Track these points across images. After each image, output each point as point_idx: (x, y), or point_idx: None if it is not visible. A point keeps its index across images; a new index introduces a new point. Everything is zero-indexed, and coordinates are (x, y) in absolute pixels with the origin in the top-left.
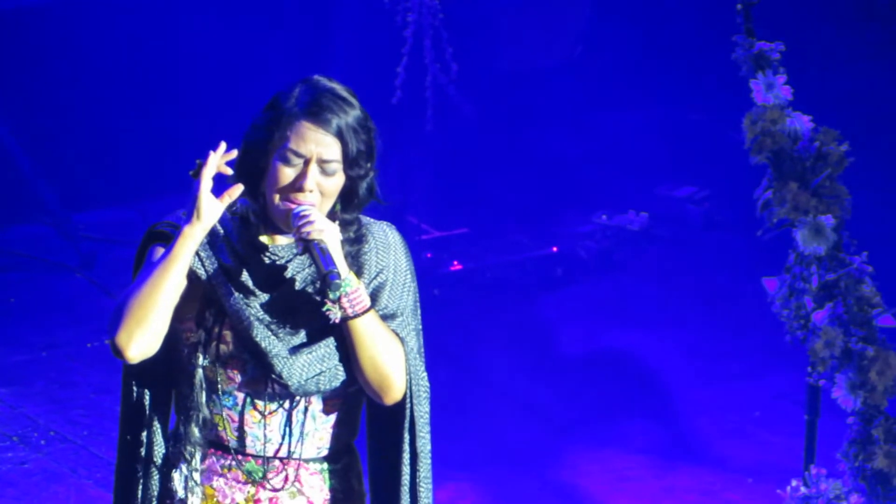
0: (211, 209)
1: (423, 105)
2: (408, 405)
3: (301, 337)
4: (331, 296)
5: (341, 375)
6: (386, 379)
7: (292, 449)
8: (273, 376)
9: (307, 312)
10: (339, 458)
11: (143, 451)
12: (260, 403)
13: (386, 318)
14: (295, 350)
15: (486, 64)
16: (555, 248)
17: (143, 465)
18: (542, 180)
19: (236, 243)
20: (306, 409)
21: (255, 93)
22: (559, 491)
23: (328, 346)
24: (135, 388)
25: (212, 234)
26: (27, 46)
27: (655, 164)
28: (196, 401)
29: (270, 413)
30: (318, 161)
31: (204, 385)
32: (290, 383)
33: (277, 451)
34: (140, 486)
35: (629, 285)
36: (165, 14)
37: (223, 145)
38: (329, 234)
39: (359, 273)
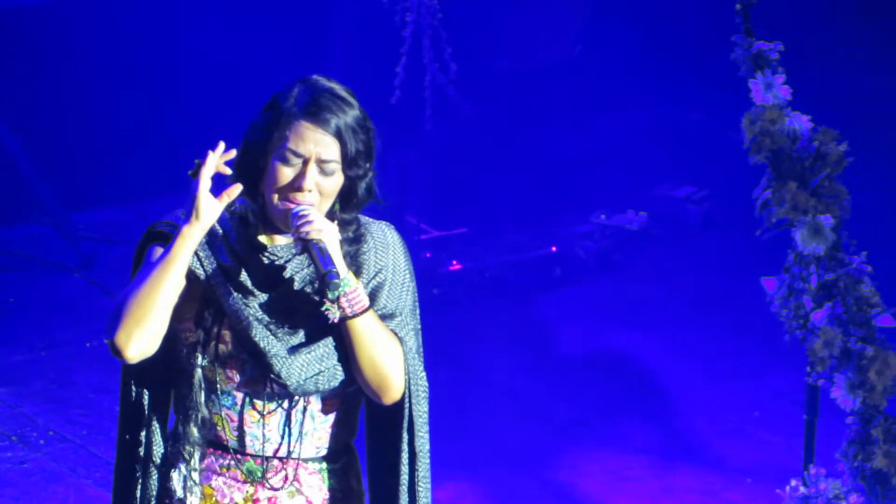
0: (210, 209)
1: (421, 105)
2: (406, 405)
3: (300, 337)
4: (329, 295)
5: (340, 375)
6: (385, 379)
7: (291, 448)
8: (272, 376)
9: (306, 312)
10: (337, 458)
11: (141, 451)
12: (259, 403)
13: (384, 317)
14: (294, 350)
15: (485, 64)
16: (554, 248)
17: (142, 465)
18: (540, 180)
19: (235, 243)
20: (305, 408)
21: (255, 93)
22: (558, 491)
23: (327, 346)
24: (134, 388)
25: (211, 234)
26: (27, 46)
27: (654, 164)
28: (195, 400)
29: (269, 413)
30: (317, 161)
31: (203, 385)
32: (288, 383)
33: (276, 450)
34: (139, 486)
35: (628, 285)
36: (165, 14)
37: (222, 145)
38: (328, 234)
39: (357, 273)
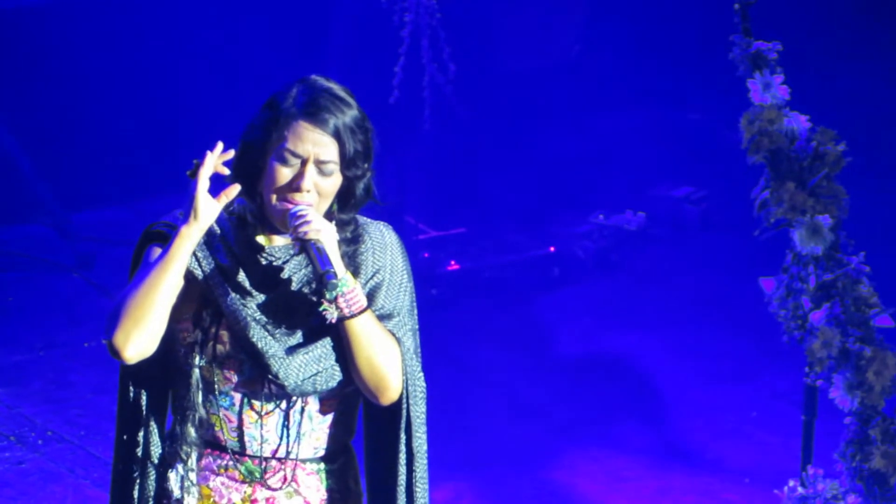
0: (208, 209)
1: (420, 105)
2: (404, 405)
3: (298, 337)
4: (327, 296)
5: (338, 376)
6: (382, 379)
7: (289, 449)
8: (270, 377)
9: (304, 313)
10: (335, 459)
11: (139, 451)
12: (257, 404)
13: (382, 318)
14: (291, 350)
15: (484, 64)
16: (552, 248)
17: (140, 465)
18: (539, 180)
19: (233, 243)
20: (303, 409)
21: (253, 93)
22: (556, 491)
23: (325, 347)
24: (132, 389)
25: (209, 235)
26: (27, 46)
27: (652, 164)
28: (193, 401)
29: (267, 413)
30: (316, 161)
31: (200, 385)
32: (286, 384)
33: (275, 451)
34: (137, 486)
35: (626, 285)
36: (164, 14)
37: (220, 145)
38: (326, 234)
39: (355, 273)
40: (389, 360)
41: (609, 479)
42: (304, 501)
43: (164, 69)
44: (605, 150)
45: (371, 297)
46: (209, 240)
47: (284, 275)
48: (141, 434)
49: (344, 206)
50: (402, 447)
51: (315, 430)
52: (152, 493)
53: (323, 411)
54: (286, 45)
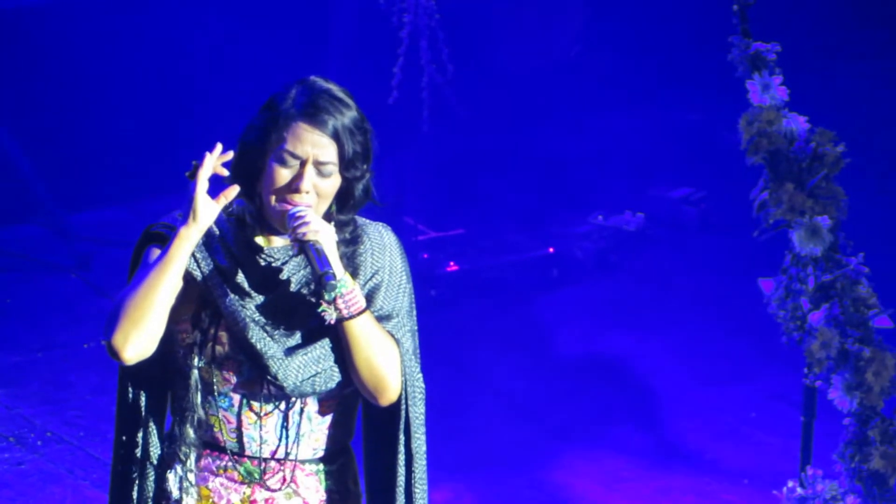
0: (207, 210)
1: (419, 105)
2: (403, 406)
3: (296, 338)
4: (326, 297)
5: (337, 377)
6: (381, 380)
7: (288, 450)
8: (269, 378)
9: (303, 314)
10: (334, 460)
11: (138, 452)
12: (256, 405)
13: (381, 319)
14: (290, 351)
15: (483, 64)
16: (551, 249)
17: (139, 466)
18: (538, 181)
19: (232, 245)
20: (302, 410)
21: (252, 93)
22: (555, 492)
23: (324, 348)
24: (130, 389)
25: (208, 236)
26: (27, 46)
27: (652, 165)
28: (192, 402)
29: (266, 414)
30: (315, 162)
31: (199, 386)
32: (285, 385)
33: (274, 452)
34: (136, 487)
35: (625, 286)
36: (163, 15)
37: (219, 146)
38: (324, 236)
39: (354, 274)
40: (388, 361)
41: (608, 479)
42: (303, 502)
43: (163, 69)
44: (603, 150)
45: (370, 298)
46: (208, 241)
47: (283, 276)
48: (140, 435)
49: (343, 207)
50: (401, 448)
51: (314, 431)
52: (151, 494)
53: (322, 412)
54: (286, 45)
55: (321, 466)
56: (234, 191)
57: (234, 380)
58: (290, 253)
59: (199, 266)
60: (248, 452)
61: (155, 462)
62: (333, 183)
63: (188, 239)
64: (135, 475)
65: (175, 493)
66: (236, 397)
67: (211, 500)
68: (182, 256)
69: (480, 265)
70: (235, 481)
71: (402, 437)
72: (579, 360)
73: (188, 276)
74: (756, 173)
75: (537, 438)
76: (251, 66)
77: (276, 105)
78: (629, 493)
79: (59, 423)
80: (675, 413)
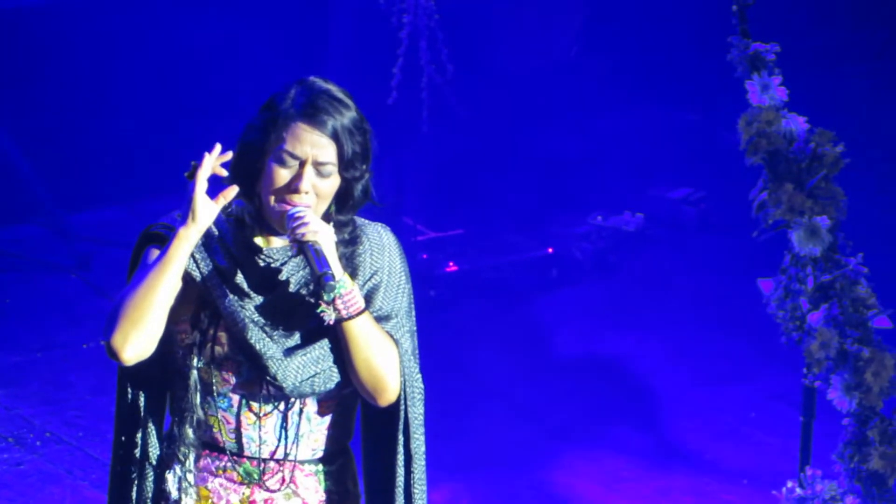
0: (206, 211)
1: (418, 106)
2: (402, 407)
3: (295, 339)
4: (325, 297)
5: (336, 377)
6: (380, 381)
7: (287, 450)
8: (268, 378)
9: (302, 314)
10: (334, 460)
11: (137, 453)
12: (255, 405)
13: (380, 319)
14: (290, 352)
15: (482, 65)
16: (550, 250)
17: (138, 467)
18: (537, 181)
19: (231, 245)
20: (301, 410)
21: (252, 94)
22: (554, 493)
23: (322, 348)
24: (129, 390)
25: (207, 236)
26: (27, 46)
27: (651, 165)
28: (191, 402)
29: (265, 415)
30: (314, 163)
31: (199, 387)
32: (284, 385)
33: (273, 452)
34: (135, 488)
35: (625, 286)
36: (162, 15)
37: (218, 147)
38: (323, 236)
39: (353, 275)
40: (387, 361)
41: (607, 480)
42: (303, 503)
43: (163, 69)
44: (602, 151)
45: (369, 298)
46: (207, 241)
47: (282, 276)
48: (139, 435)
49: (342, 208)
50: (400, 448)
51: (313, 431)
52: (150, 495)
53: (321, 413)
54: (285, 46)
55: (320, 467)
56: (233, 191)
57: (233, 380)
58: (290, 253)
59: (198, 266)
60: (247, 453)
61: (154, 462)
62: (332, 183)
63: (187, 239)
64: (134, 475)
65: (174, 494)
66: (235, 398)
67: (210, 500)
68: (181, 257)
69: (479, 265)
70: (234, 482)
71: (401, 438)
72: (578, 361)
73: (187, 277)
74: (755, 173)
75: (537, 439)
76: (251, 66)
77: (275, 105)
78: (629, 493)
79: (58, 424)
80: (675, 413)
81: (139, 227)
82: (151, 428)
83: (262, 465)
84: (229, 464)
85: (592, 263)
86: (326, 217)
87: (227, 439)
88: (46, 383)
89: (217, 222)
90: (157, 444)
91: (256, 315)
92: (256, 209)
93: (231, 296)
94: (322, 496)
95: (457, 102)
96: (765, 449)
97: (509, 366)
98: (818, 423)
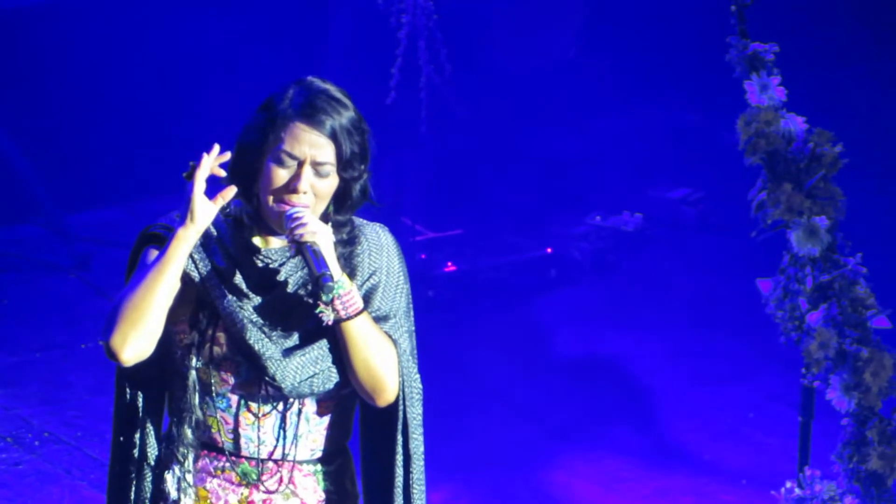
0: (204, 211)
1: (417, 106)
2: (401, 407)
3: (294, 339)
4: (324, 298)
5: (334, 377)
6: (379, 381)
7: (286, 451)
8: (266, 378)
9: (300, 315)
10: (332, 460)
11: (136, 453)
12: (253, 405)
13: (379, 319)
14: (288, 352)
15: (481, 65)
16: (549, 250)
17: (137, 467)
18: (536, 181)
19: (230, 245)
20: (300, 411)
21: (251, 94)
22: (553, 493)
23: (321, 349)
24: (128, 390)
25: (205, 237)
26: (26, 46)
27: (650, 166)
28: (189, 402)
29: (264, 415)
30: (312, 163)
31: (197, 387)
32: (283, 385)
33: (271, 453)
34: (133, 488)
35: (624, 287)
36: (162, 15)
37: (216, 147)
38: (322, 236)
39: (351, 275)
40: (386, 361)
41: (607, 480)
42: (301, 503)
43: (162, 69)
44: (602, 151)
45: (367, 298)
46: (206, 242)
47: (281, 277)
48: (137, 435)
49: (340, 208)
50: (399, 449)
51: (312, 431)
52: (149, 495)
53: (320, 413)
54: (284, 46)
55: (319, 467)
56: (231, 191)
57: (231, 381)
58: (288, 254)
59: (196, 267)
60: (245, 453)
61: (152, 463)
62: (331, 183)
63: (186, 240)
64: (132, 476)
65: (173, 494)
66: (234, 398)
67: (209, 500)
68: (180, 257)
69: (478, 266)
70: (233, 482)
71: (399, 438)
72: (577, 361)
73: (186, 277)
74: (754, 174)
75: (536, 439)
76: (249, 66)
77: (273, 105)
78: (628, 493)
79: (57, 424)
80: (674, 413)
81: (138, 227)
82: (150, 428)
83: (261, 465)
84: (228, 464)
85: (591, 263)
86: (325, 217)
87: (225, 440)
88: (45, 383)
89: (215, 223)
90: (156, 445)
91: (255, 315)
92: (255, 209)
93: (230, 296)
94: (321, 496)
95: (456, 102)
96: (764, 449)
97: (508, 366)
98: (817, 423)
